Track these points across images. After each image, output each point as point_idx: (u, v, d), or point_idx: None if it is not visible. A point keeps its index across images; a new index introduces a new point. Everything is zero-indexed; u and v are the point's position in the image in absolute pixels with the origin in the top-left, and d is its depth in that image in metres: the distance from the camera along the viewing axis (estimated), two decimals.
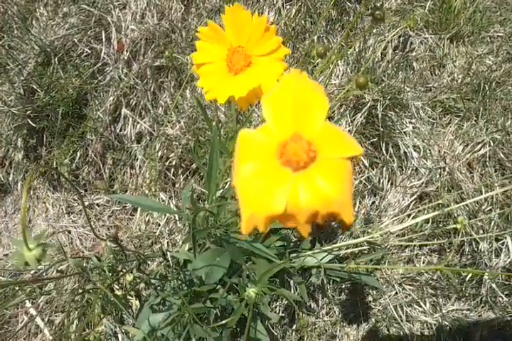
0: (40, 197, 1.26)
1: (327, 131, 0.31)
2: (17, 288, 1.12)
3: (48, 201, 1.25)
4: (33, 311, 1.18)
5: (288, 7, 1.25)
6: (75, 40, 1.21)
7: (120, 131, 1.21)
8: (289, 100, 0.32)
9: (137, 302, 1.09)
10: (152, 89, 1.21)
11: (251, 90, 0.47)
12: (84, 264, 1.11)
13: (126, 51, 1.21)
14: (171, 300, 0.92)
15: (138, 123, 1.20)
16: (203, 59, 0.51)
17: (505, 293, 1.06)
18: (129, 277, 0.78)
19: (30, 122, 1.18)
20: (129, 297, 1.12)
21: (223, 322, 0.80)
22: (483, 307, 1.08)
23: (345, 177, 0.30)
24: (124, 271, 0.84)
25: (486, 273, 0.96)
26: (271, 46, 0.48)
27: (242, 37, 0.49)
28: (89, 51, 1.21)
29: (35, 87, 1.18)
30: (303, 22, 1.24)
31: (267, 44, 0.48)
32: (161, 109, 1.21)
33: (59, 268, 1.16)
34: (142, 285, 1.08)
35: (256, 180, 0.30)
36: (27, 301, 1.16)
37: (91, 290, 0.85)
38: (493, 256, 1.05)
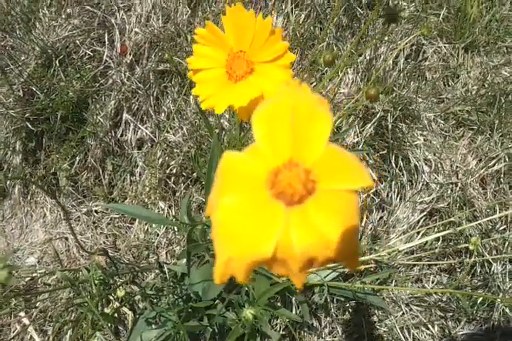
0: (38, 202, 1.23)
1: (330, 157, 0.25)
2: (11, 296, 1.09)
3: (46, 206, 1.22)
4: (26, 320, 1.15)
5: (297, 12, 1.21)
6: (78, 42, 1.18)
7: (121, 136, 1.18)
8: (285, 117, 0.26)
9: (132, 314, 1.06)
10: (155, 94, 1.17)
11: (253, 100, 0.42)
12: (80, 273, 1.08)
13: (130, 54, 1.18)
14: (166, 316, 0.89)
15: (139, 129, 1.16)
16: (200, 64, 0.46)
17: None
18: (121, 292, 0.74)
19: (29, 125, 1.16)
20: (124, 309, 1.08)
21: None
22: (495, 332, 1.02)
23: (350, 215, 0.24)
24: (117, 284, 0.80)
25: (499, 298, 0.91)
26: (276, 52, 0.43)
27: (244, 41, 0.44)
28: (92, 53, 1.18)
29: (34, 89, 1.15)
30: (312, 28, 1.20)
31: (272, 49, 0.43)
32: (163, 114, 1.17)
33: (53, 278, 1.12)
34: (138, 297, 1.04)
35: (239, 215, 0.24)
36: (20, 310, 1.13)
37: (81, 304, 0.81)
38: (507, 278, 1.00)
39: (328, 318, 1.03)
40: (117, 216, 1.20)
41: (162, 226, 1.13)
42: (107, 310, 0.82)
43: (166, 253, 1.14)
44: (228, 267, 0.24)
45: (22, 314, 1.14)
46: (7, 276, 0.38)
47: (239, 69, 0.44)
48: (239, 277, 0.24)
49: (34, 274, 1.19)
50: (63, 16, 1.22)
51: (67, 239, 1.20)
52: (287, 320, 0.99)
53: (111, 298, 0.98)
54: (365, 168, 0.25)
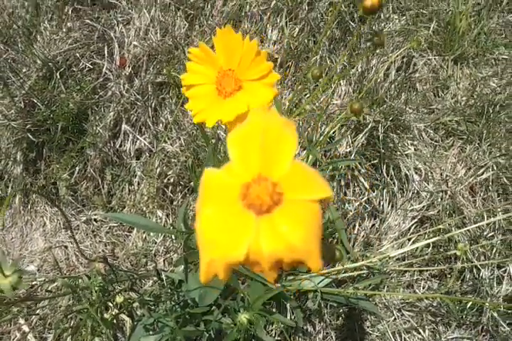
0: (38, 211, 1.25)
1: (295, 172, 0.29)
2: (10, 304, 1.11)
3: (46, 215, 1.24)
4: (25, 328, 1.16)
5: (291, 26, 1.25)
6: (78, 55, 1.22)
7: (120, 146, 1.20)
8: (255, 138, 0.30)
9: (130, 321, 1.08)
10: (153, 105, 1.20)
11: (240, 115, 0.45)
12: (80, 281, 1.10)
13: (129, 67, 1.21)
14: (164, 321, 0.91)
15: (138, 139, 1.19)
16: (193, 80, 0.50)
17: (508, 322, 1.03)
18: (119, 299, 0.76)
19: (30, 136, 1.18)
20: (122, 315, 1.10)
21: None
22: (484, 336, 1.05)
23: (312, 222, 0.28)
24: (116, 291, 0.82)
25: (487, 303, 0.94)
26: (262, 71, 0.47)
27: (232, 60, 0.48)
28: (92, 66, 1.21)
29: (35, 101, 1.18)
30: (306, 41, 1.24)
31: (258, 69, 0.47)
32: (161, 125, 1.20)
33: (53, 285, 1.14)
34: (136, 303, 1.06)
35: (217, 223, 0.28)
36: (20, 318, 1.15)
37: (81, 311, 0.83)
38: (495, 283, 1.02)
39: (321, 323, 1.05)
40: (116, 224, 1.22)
41: (160, 235, 1.15)
42: (106, 316, 0.84)
43: (164, 260, 1.16)
44: (210, 267, 0.28)
45: (22, 321, 1.16)
46: (17, 281, 0.41)
47: (228, 86, 0.48)
48: (220, 275, 0.28)
49: (34, 282, 1.21)
50: (64, 30, 1.25)
51: (66, 247, 1.22)
52: (282, 326, 1.01)
53: (110, 304, 1.00)
54: (325, 181, 0.28)
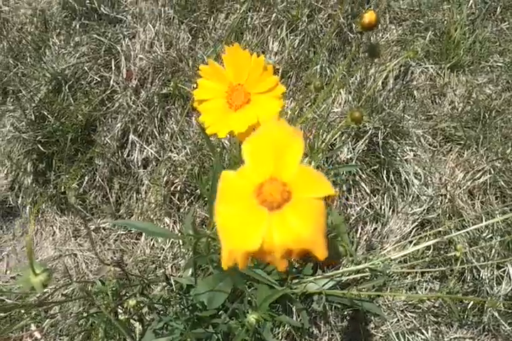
0: (48, 220, 1.28)
1: (302, 174, 0.33)
2: (23, 311, 1.13)
3: (56, 224, 1.27)
4: (37, 334, 1.18)
5: (292, 37, 1.29)
6: (86, 68, 1.25)
7: (127, 156, 1.24)
8: (267, 145, 0.34)
9: (140, 326, 1.10)
10: (159, 116, 1.24)
11: (250, 126, 0.49)
12: (90, 288, 1.12)
13: (135, 79, 1.25)
14: (174, 324, 0.93)
15: (145, 149, 1.22)
16: (204, 95, 0.54)
17: (509, 321, 1.06)
18: (132, 301, 0.79)
19: (40, 147, 1.21)
20: (132, 321, 1.12)
21: None
22: (486, 335, 1.07)
23: (317, 217, 0.32)
24: (128, 295, 0.85)
25: (487, 301, 0.96)
26: (269, 85, 0.51)
27: (241, 75, 0.52)
28: (99, 79, 1.25)
29: (46, 113, 1.22)
30: (306, 52, 1.28)
31: (265, 82, 0.51)
32: (167, 135, 1.24)
33: (64, 292, 1.17)
34: (145, 309, 1.08)
35: (235, 218, 0.33)
36: (32, 324, 1.17)
37: (95, 314, 0.86)
38: (495, 283, 1.05)
39: (327, 326, 1.07)
40: (124, 232, 1.25)
41: (167, 241, 1.18)
42: (121, 317, 0.86)
43: (172, 266, 1.19)
44: (231, 256, 0.32)
45: (34, 328, 1.18)
46: (47, 278, 0.44)
47: (238, 99, 0.52)
48: (239, 263, 0.32)
49: (45, 290, 1.23)
50: (72, 44, 1.30)
51: (75, 255, 1.25)
52: (288, 328, 1.04)
53: (119, 311, 1.03)
54: (328, 182, 0.32)
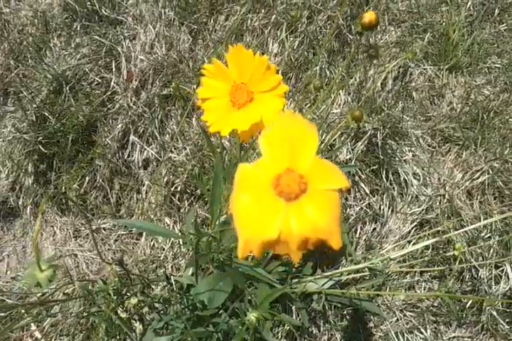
0: (49, 220, 1.28)
1: (317, 166, 0.34)
2: (23, 311, 1.14)
3: (56, 225, 1.27)
4: (38, 334, 1.19)
5: (291, 39, 1.30)
6: (86, 70, 1.26)
7: (128, 157, 1.24)
8: (283, 138, 0.35)
9: (140, 326, 1.10)
10: (159, 116, 1.25)
11: (253, 124, 0.50)
12: (90, 287, 1.13)
13: (135, 80, 1.25)
14: (174, 324, 0.94)
15: (145, 149, 1.23)
16: (207, 94, 0.55)
17: (507, 320, 1.06)
18: (134, 300, 0.80)
19: (41, 148, 1.22)
20: (132, 321, 1.12)
21: None
22: (484, 334, 1.08)
23: (333, 208, 0.33)
24: (129, 294, 0.85)
25: (486, 300, 0.97)
26: (271, 83, 0.52)
27: (244, 74, 0.53)
28: (100, 80, 1.26)
29: (47, 114, 1.22)
30: (306, 53, 1.29)
31: (268, 81, 0.52)
32: (167, 136, 1.25)
33: (65, 291, 1.17)
34: (146, 309, 1.09)
35: (253, 208, 0.33)
36: (32, 324, 1.17)
37: (96, 313, 0.87)
38: (493, 283, 1.06)
39: (326, 325, 1.08)
40: (124, 233, 1.26)
41: (168, 241, 1.19)
42: (122, 316, 0.87)
43: (172, 266, 1.19)
44: (247, 246, 0.33)
45: (34, 328, 1.19)
46: (52, 274, 0.45)
47: (241, 98, 0.53)
48: (255, 253, 0.33)
49: (45, 290, 1.24)
50: (73, 46, 1.30)
51: (76, 255, 1.26)
52: (288, 328, 1.04)
53: (120, 310, 1.03)
54: (343, 174, 0.33)
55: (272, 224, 0.32)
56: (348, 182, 0.33)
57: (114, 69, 1.26)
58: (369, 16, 0.54)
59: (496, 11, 1.43)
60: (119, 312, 1.01)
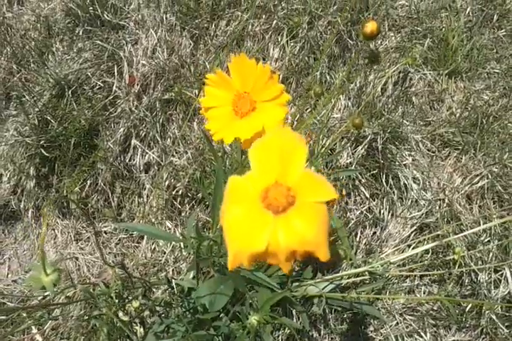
0: (50, 223, 1.29)
1: (305, 178, 0.35)
2: (24, 314, 1.14)
3: (57, 228, 1.28)
4: (39, 337, 1.19)
5: (292, 44, 1.31)
6: (89, 74, 1.27)
7: (129, 161, 1.25)
8: (272, 151, 0.36)
9: (141, 329, 1.11)
10: (161, 121, 1.25)
11: (256, 133, 0.51)
12: (91, 290, 1.13)
13: (137, 85, 1.26)
14: (175, 327, 0.94)
15: (147, 153, 1.24)
16: (211, 103, 0.56)
17: (506, 324, 1.07)
18: (135, 303, 0.80)
19: (43, 151, 1.23)
20: (133, 324, 1.13)
21: None
22: (484, 338, 1.08)
23: (321, 220, 0.33)
24: (130, 297, 0.86)
25: (485, 304, 0.98)
26: (274, 93, 0.53)
27: (247, 84, 0.54)
28: (102, 84, 1.27)
29: (49, 118, 1.23)
30: (306, 58, 1.30)
31: (271, 91, 0.53)
32: (169, 140, 1.25)
33: (67, 295, 1.17)
34: (147, 312, 1.09)
35: (241, 221, 0.34)
36: (33, 327, 1.17)
37: (97, 316, 0.87)
38: (492, 287, 1.06)
39: (327, 329, 1.08)
40: (125, 236, 1.26)
41: (169, 245, 1.19)
42: (124, 319, 0.87)
43: (173, 270, 1.20)
44: (237, 257, 0.34)
45: (35, 331, 1.19)
46: (57, 278, 0.45)
47: (244, 107, 0.53)
48: (244, 264, 0.34)
49: (46, 293, 1.24)
50: (75, 50, 1.31)
51: (77, 259, 1.26)
52: (288, 331, 1.05)
53: (121, 313, 1.03)
54: (331, 186, 0.34)
55: (260, 237, 0.33)
56: (336, 194, 0.34)
57: (116, 74, 1.27)
58: (371, 26, 0.55)
59: (495, 17, 1.44)
60: (120, 315, 1.02)
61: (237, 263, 0.34)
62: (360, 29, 0.55)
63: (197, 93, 1.26)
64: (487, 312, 1.04)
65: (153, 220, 1.23)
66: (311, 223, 0.33)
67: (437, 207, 1.15)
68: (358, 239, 1.16)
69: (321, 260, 0.33)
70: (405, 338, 1.08)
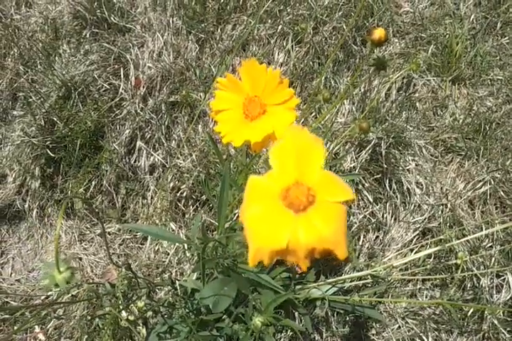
0: (54, 224, 1.29)
1: (324, 179, 0.36)
2: (27, 313, 1.14)
3: (61, 228, 1.28)
4: (41, 336, 1.19)
5: (297, 49, 1.32)
6: (95, 76, 1.28)
7: (134, 162, 1.26)
8: (292, 152, 0.37)
9: (144, 330, 1.11)
10: (166, 123, 1.26)
11: (265, 136, 0.52)
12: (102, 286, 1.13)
13: (143, 87, 1.27)
14: (179, 328, 0.94)
15: (151, 155, 1.25)
16: (221, 106, 0.57)
17: (508, 329, 1.07)
18: (140, 303, 0.81)
19: (49, 152, 1.23)
20: (136, 325, 1.13)
21: None
22: None
23: (339, 219, 0.35)
24: (135, 297, 0.86)
25: (487, 309, 0.98)
26: (284, 97, 0.54)
27: (257, 88, 0.55)
28: (108, 86, 1.28)
29: (55, 119, 1.24)
30: (311, 63, 1.31)
31: (280, 95, 0.54)
32: (174, 142, 1.26)
33: (67, 296, 1.18)
34: (150, 313, 1.10)
35: (263, 219, 0.35)
36: (36, 326, 1.18)
37: (102, 316, 0.88)
38: (494, 291, 1.07)
39: (329, 332, 1.09)
40: (129, 237, 1.27)
41: (172, 246, 1.20)
42: (129, 318, 0.88)
43: (176, 271, 1.20)
44: (257, 254, 0.35)
45: (38, 330, 1.19)
46: (70, 276, 0.46)
47: (254, 110, 0.55)
48: (265, 261, 0.35)
49: (49, 293, 1.24)
50: (82, 52, 1.32)
51: (81, 259, 1.27)
52: (290, 334, 1.05)
53: (124, 314, 1.04)
54: (348, 186, 0.35)
55: (281, 235, 0.34)
56: (353, 195, 0.35)
57: (122, 76, 1.28)
58: (379, 33, 0.55)
59: (499, 25, 1.45)
60: (124, 315, 1.02)
61: (257, 259, 0.35)
62: (366, 35, 0.55)
63: (202, 96, 1.27)
64: (489, 316, 1.05)
65: (157, 222, 1.23)
66: (331, 222, 0.34)
67: (440, 212, 1.16)
68: (360, 242, 1.16)
69: (339, 258, 0.34)
70: None
